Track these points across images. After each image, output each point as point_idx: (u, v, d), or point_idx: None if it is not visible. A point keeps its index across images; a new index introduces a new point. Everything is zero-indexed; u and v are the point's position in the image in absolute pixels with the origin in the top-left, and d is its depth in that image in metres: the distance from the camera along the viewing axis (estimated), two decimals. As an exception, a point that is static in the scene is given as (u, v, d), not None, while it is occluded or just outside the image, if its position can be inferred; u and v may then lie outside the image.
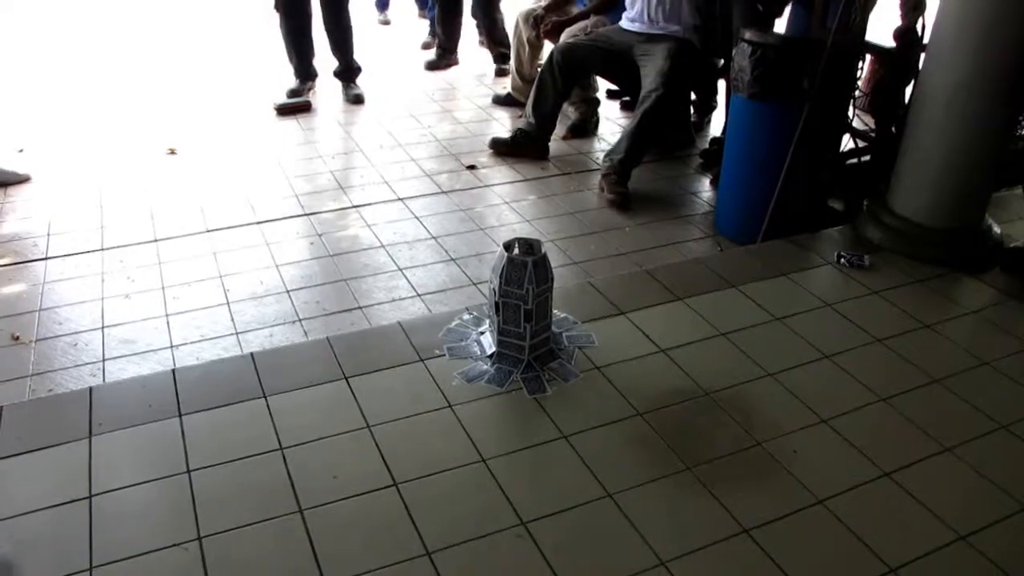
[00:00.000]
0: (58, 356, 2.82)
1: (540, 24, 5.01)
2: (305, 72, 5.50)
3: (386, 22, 7.57)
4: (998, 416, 2.42)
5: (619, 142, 4.16)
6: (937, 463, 2.25)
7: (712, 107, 5.15)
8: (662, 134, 4.37)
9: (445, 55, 6.24)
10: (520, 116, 5.05)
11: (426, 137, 4.87)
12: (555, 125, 4.67)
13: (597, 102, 5.06)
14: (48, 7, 7.64)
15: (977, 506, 2.11)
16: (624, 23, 4.43)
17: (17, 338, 2.91)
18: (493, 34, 6.11)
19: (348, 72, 5.58)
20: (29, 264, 3.42)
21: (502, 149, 4.62)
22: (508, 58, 5.86)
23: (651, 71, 4.14)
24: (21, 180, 4.16)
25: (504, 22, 6.14)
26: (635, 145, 4.08)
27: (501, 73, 6.06)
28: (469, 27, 6.43)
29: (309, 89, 5.52)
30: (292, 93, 5.38)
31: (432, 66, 6.22)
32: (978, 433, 2.36)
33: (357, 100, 5.48)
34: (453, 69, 6.24)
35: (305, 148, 4.69)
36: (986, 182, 3.24)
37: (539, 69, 4.94)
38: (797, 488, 2.14)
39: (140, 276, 3.32)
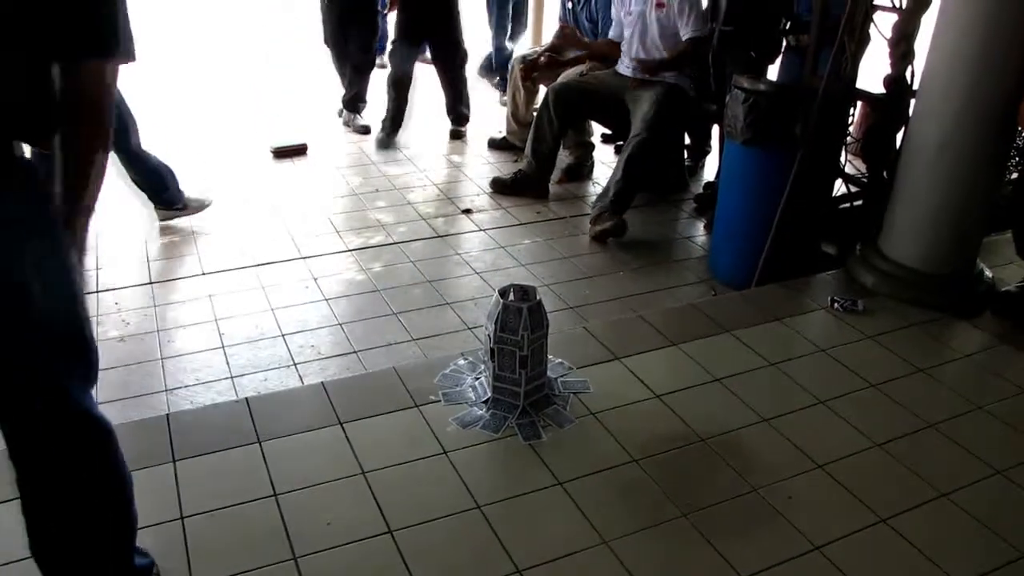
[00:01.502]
0: (51, 400, 2.81)
1: (534, 69, 5.06)
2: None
3: (382, 66, 7.63)
4: (993, 461, 2.42)
5: (607, 189, 4.21)
6: (934, 509, 2.24)
7: (706, 152, 5.20)
8: (651, 175, 4.41)
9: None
10: (516, 160, 5.10)
11: (422, 181, 4.90)
12: (555, 165, 4.75)
13: (592, 146, 5.10)
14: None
15: (975, 552, 2.11)
16: (619, 67, 4.49)
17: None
18: (459, 98, 5.71)
19: (358, 102, 5.80)
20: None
21: (503, 189, 4.67)
22: (466, 119, 5.68)
23: (637, 117, 4.21)
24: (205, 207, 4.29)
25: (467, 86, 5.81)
26: (622, 191, 4.13)
27: (456, 135, 5.70)
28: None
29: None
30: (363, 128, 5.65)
31: None
32: (974, 478, 2.36)
33: (364, 131, 5.66)
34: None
35: (301, 191, 4.72)
36: (978, 226, 3.28)
37: (535, 113, 5.00)
38: (793, 535, 2.13)
39: (134, 319, 3.32)
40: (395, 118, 5.55)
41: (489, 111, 6.24)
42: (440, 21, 5.39)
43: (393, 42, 5.52)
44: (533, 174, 4.64)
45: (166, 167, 4.08)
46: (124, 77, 1.53)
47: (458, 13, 5.47)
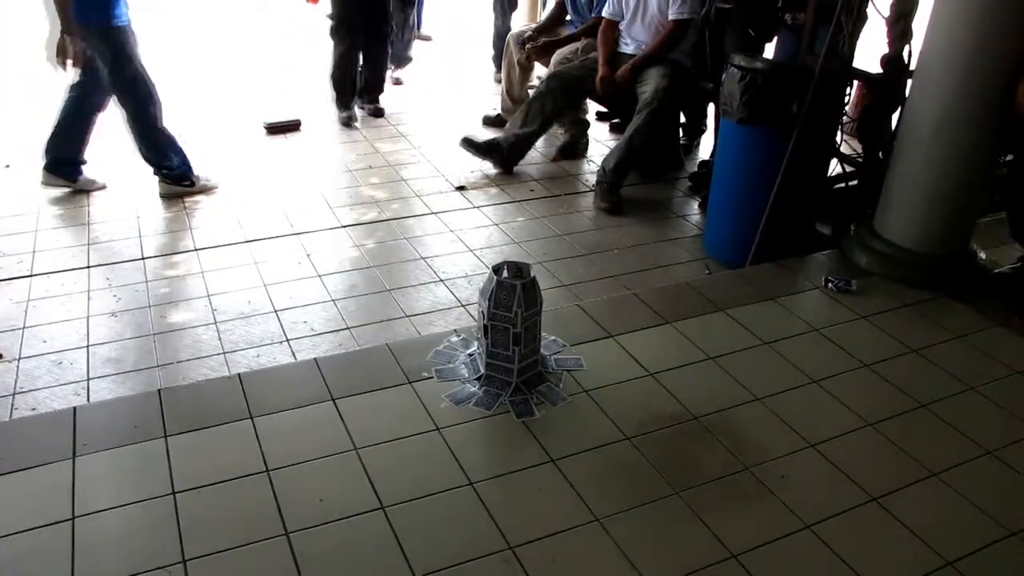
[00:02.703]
0: (42, 375, 2.80)
1: (528, 44, 5.03)
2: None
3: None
4: (984, 442, 2.43)
5: (612, 152, 4.25)
6: (924, 488, 2.25)
7: (701, 131, 5.19)
8: (656, 148, 4.40)
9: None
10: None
11: (415, 158, 4.87)
12: (525, 153, 4.67)
13: (587, 124, 5.08)
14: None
15: (964, 532, 2.11)
16: (620, 46, 4.46)
17: (0, 356, 2.89)
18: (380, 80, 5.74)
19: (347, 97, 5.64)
20: (13, 281, 3.40)
21: (469, 147, 4.61)
22: (381, 112, 5.63)
23: (649, 88, 4.19)
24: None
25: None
26: (625, 159, 4.17)
27: (379, 113, 5.64)
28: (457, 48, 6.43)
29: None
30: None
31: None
32: (964, 459, 2.36)
33: (349, 121, 5.53)
34: (444, 90, 6.23)
35: (294, 167, 4.69)
36: (972, 207, 3.27)
37: (530, 91, 4.98)
38: (785, 513, 2.13)
39: (126, 294, 3.31)
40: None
41: (484, 89, 6.21)
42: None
43: (338, 36, 5.29)
44: (504, 149, 4.59)
45: (178, 145, 4.18)
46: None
47: None
